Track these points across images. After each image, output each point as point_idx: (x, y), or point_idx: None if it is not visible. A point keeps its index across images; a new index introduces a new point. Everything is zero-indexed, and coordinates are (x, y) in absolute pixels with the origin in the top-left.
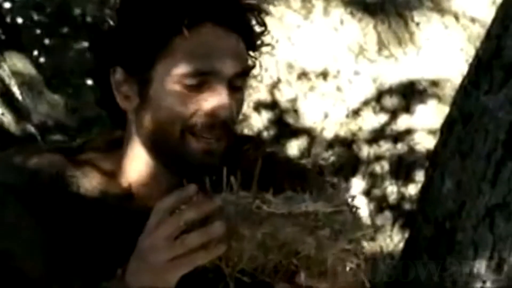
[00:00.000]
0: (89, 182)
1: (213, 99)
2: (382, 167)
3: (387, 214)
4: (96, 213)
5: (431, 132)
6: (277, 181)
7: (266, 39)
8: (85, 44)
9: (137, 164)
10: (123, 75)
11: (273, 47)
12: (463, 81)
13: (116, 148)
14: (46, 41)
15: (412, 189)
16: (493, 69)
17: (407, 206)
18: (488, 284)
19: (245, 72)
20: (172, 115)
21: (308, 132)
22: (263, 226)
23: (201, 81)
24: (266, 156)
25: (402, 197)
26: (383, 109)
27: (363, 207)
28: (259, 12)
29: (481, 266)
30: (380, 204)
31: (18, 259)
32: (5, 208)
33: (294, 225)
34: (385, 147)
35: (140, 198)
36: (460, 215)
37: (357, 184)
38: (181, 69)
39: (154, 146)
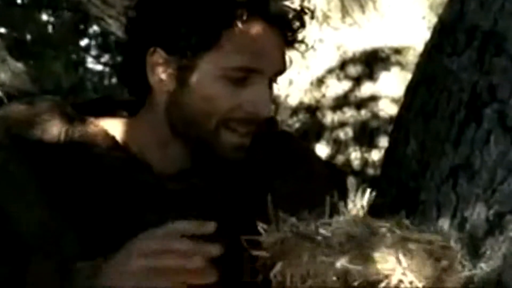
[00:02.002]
0: (95, 141)
1: (256, 96)
2: (346, 133)
3: (351, 179)
4: (103, 175)
5: (394, 99)
6: (282, 161)
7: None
8: (45, 16)
9: (155, 140)
10: (163, 58)
11: (307, 46)
12: (426, 45)
13: (118, 115)
14: (7, 12)
15: (376, 155)
16: (456, 32)
17: (370, 171)
18: (451, 242)
19: (284, 71)
20: (213, 106)
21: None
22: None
23: (246, 76)
24: (275, 135)
25: (365, 163)
26: (347, 76)
27: None
28: (303, 11)
29: (444, 224)
30: (344, 169)
31: (14, 217)
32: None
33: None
34: (349, 113)
35: (149, 169)
36: (423, 176)
37: (321, 150)
38: (229, 62)
39: (183, 131)
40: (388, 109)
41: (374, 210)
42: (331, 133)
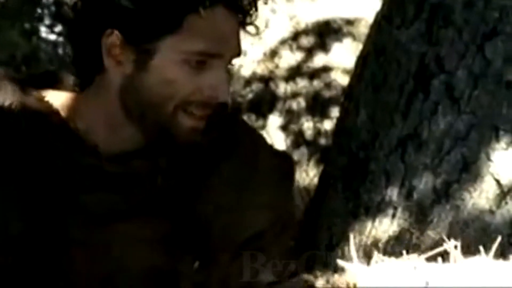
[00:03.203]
0: (38, 115)
1: (215, 80)
2: (298, 103)
3: (303, 149)
4: (43, 151)
5: (346, 69)
6: (228, 146)
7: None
8: None
9: (104, 119)
10: (121, 40)
11: (258, 30)
12: (376, 17)
13: (64, 89)
14: None
15: (328, 125)
16: (405, 4)
17: (322, 141)
18: (399, 210)
19: (240, 54)
20: (172, 90)
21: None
22: None
23: (205, 60)
24: (225, 119)
25: (318, 133)
26: (299, 47)
27: (280, 143)
28: None
29: (392, 193)
30: (296, 139)
31: None
32: None
33: None
34: (301, 84)
35: (91, 149)
36: (373, 145)
37: (274, 121)
38: (190, 47)
39: (139, 114)
40: (340, 79)
41: (325, 179)
42: (284, 103)
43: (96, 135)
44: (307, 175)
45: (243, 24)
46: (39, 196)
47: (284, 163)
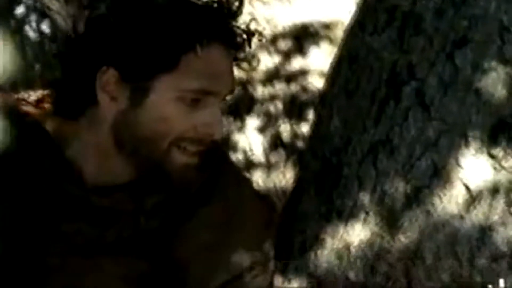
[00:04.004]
0: (29, 137)
1: (210, 118)
2: (276, 106)
3: (281, 151)
4: (30, 174)
5: (323, 72)
6: (212, 188)
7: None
8: None
9: (94, 150)
10: (116, 77)
11: (252, 64)
12: (350, 23)
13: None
14: None
15: (305, 128)
16: (377, 12)
17: (299, 144)
18: (370, 215)
19: (233, 91)
20: (167, 127)
21: None
22: None
23: (201, 98)
24: (216, 159)
25: (295, 135)
26: (277, 50)
27: (258, 145)
28: (253, 33)
29: (364, 198)
30: (274, 142)
31: None
32: None
33: None
34: (279, 87)
35: (77, 179)
36: (346, 151)
37: (252, 123)
38: (186, 85)
39: (132, 149)
40: (317, 82)
41: (299, 183)
42: (262, 106)
43: (85, 165)
44: (284, 177)
45: (237, 60)
46: (22, 219)
47: (266, 209)
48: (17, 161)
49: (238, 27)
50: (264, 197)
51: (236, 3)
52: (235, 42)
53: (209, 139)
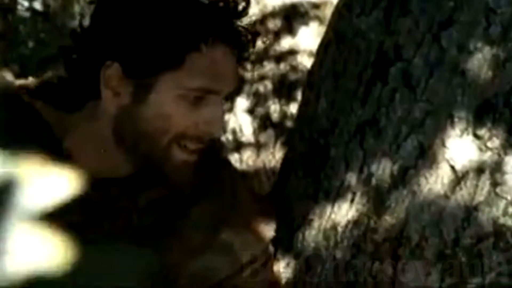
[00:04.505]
0: (29, 123)
1: (212, 116)
2: (265, 86)
3: (270, 132)
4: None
5: (313, 52)
6: (206, 190)
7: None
8: None
9: (92, 144)
10: (120, 73)
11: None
12: (337, 4)
13: (57, 105)
14: None
15: (294, 108)
16: None
17: (289, 124)
18: (357, 195)
19: (236, 89)
20: (169, 124)
21: None
22: None
23: (203, 96)
24: (214, 165)
25: (284, 115)
26: (266, 30)
27: (247, 125)
28: (257, 33)
29: (351, 179)
30: (263, 122)
31: None
32: None
33: None
34: (268, 67)
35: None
36: (333, 132)
37: (241, 103)
38: (190, 83)
39: (132, 144)
40: (306, 62)
41: (287, 163)
42: (251, 86)
43: (82, 157)
44: (274, 157)
45: (240, 60)
46: None
47: (264, 208)
48: (14, 150)
49: (243, 27)
50: (263, 197)
51: (243, 3)
52: (240, 42)
53: (209, 137)
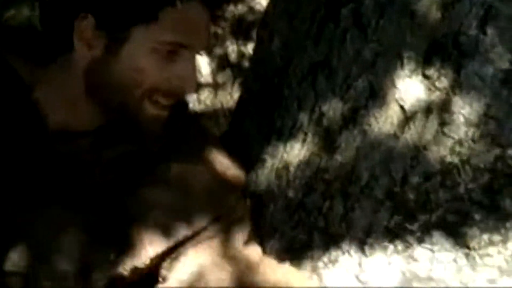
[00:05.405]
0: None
1: (184, 71)
2: (223, 27)
3: (228, 72)
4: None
5: None
6: (174, 146)
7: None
8: None
9: (64, 96)
10: (93, 25)
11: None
12: None
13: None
14: None
15: (251, 48)
16: None
17: (246, 64)
18: (309, 135)
19: (208, 46)
20: (142, 77)
21: None
22: None
23: (176, 50)
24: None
25: (242, 56)
26: None
27: (205, 66)
28: None
29: (303, 119)
30: (221, 63)
31: None
32: None
33: None
34: (225, 8)
35: (43, 123)
36: (287, 72)
37: None
38: (164, 37)
39: (104, 96)
40: (264, 2)
41: (242, 103)
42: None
43: (51, 109)
44: (232, 97)
45: (214, 18)
46: None
47: (233, 166)
48: None
49: None
50: (234, 158)
51: None
52: (214, 0)
53: (182, 92)
